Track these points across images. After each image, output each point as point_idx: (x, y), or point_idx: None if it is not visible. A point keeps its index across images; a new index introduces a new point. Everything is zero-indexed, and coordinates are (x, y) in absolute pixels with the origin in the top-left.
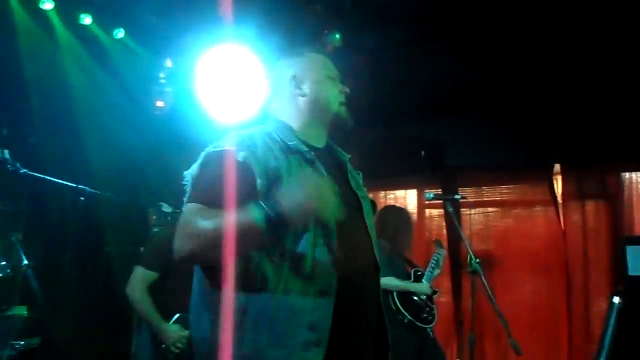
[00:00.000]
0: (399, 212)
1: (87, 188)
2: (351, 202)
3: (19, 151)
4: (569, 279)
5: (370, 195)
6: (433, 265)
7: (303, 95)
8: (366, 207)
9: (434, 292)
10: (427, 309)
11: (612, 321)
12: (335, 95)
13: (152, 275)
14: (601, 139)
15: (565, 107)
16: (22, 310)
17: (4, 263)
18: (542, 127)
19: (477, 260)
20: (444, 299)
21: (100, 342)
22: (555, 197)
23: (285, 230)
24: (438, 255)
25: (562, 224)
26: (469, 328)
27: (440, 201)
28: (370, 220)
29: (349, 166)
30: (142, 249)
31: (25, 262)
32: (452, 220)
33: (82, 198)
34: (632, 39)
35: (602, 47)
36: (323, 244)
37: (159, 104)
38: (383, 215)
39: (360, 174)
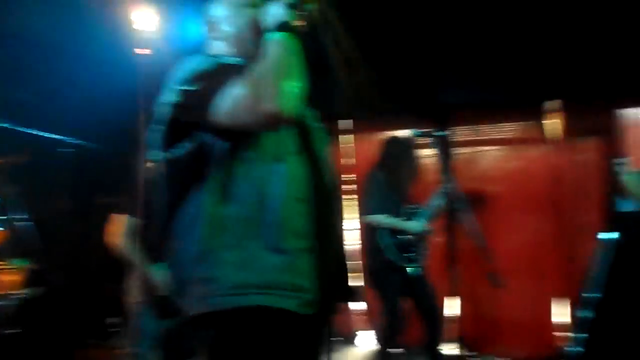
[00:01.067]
0: (399, 142)
1: (74, 140)
2: (304, 128)
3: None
4: (563, 216)
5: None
6: (434, 202)
7: (222, 39)
8: (319, 136)
9: (428, 231)
10: (415, 247)
11: (604, 256)
12: (248, 24)
13: (133, 221)
14: (596, 76)
15: (560, 44)
16: (22, 263)
17: (2, 217)
18: (536, 64)
19: (462, 195)
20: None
21: (98, 289)
22: (547, 134)
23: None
24: (442, 191)
25: (557, 161)
26: (454, 264)
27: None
28: (326, 151)
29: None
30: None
31: (23, 215)
32: (440, 157)
33: (72, 150)
34: None
35: None
36: (294, 152)
37: (138, 51)
38: (382, 146)
39: (313, 113)
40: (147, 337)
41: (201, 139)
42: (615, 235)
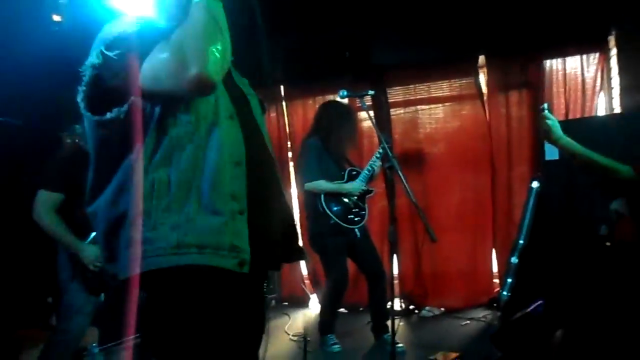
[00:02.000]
0: (334, 107)
1: None
2: (237, 95)
3: None
4: (494, 169)
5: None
6: (372, 163)
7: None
8: (254, 103)
9: (368, 192)
10: (356, 209)
11: (530, 204)
12: None
13: (57, 196)
14: (522, 28)
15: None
16: None
17: None
18: (464, 19)
19: (391, 154)
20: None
21: (33, 268)
22: (480, 90)
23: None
24: (379, 152)
25: (488, 116)
26: (393, 223)
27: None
28: (260, 118)
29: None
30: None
31: None
32: (370, 117)
33: None
34: None
35: None
36: (228, 117)
37: (56, 17)
38: (317, 111)
39: (246, 81)
40: (79, 313)
41: (131, 102)
42: (537, 183)
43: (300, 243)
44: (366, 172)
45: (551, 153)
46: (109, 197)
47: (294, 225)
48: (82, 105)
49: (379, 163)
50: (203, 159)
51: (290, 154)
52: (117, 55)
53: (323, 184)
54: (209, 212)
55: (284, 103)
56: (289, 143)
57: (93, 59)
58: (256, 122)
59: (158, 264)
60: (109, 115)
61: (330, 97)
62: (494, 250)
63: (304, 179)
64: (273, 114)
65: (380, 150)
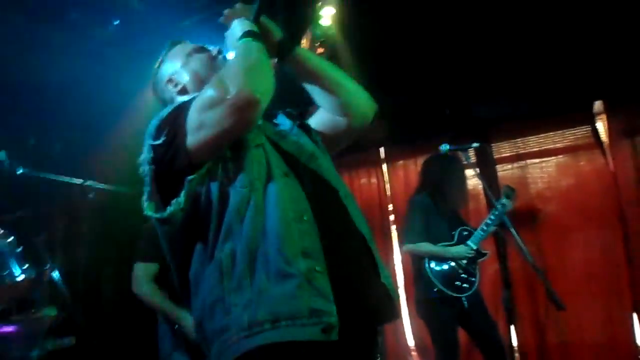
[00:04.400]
0: (440, 160)
1: (94, 184)
2: (294, 150)
3: (20, 153)
4: (626, 223)
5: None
6: (488, 222)
7: (185, 89)
8: (319, 156)
9: (480, 255)
10: (464, 275)
11: None
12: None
13: (152, 267)
14: None
15: (598, 39)
16: (51, 311)
17: (27, 266)
18: (575, 64)
19: (497, 209)
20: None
21: (130, 338)
22: (599, 139)
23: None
24: (497, 210)
25: (612, 166)
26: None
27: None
28: (329, 172)
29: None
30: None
31: (49, 264)
32: (475, 172)
33: (91, 195)
34: None
35: None
36: (282, 174)
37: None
38: (422, 166)
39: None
40: None
41: (186, 187)
42: None
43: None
44: (480, 232)
45: None
46: (191, 290)
47: (382, 281)
48: (144, 205)
49: (492, 223)
50: (264, 222)
51: (392, 217)
52: (164, 139)
53: (425, 246)
54: (280, 277)
55: (384, 165)
56: (390, 206)
57: (145, 155)
58: (323, 176)
59: (232, 353)
60: (168, 209)
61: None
62: (635, 316)
63: (405, 239)
64: (373, 179)
65: (500, 207)
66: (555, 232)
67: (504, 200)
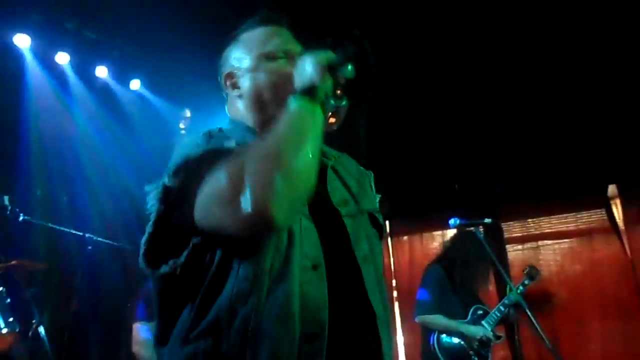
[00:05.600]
0: (466, 238)
1: (93, 236)
2: (327, 220)
3: (27, 202)
4: None
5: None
6: (506, 302)
7: (241, 97)
8: (354, 227)
9: (496, 338)
10: (476, 358)
11: None
12: (273, 80)
13: (152, 326)
14: None
15: (612, 122)
16: None
17: (11, 319)
18: (589, 147)
19: (519, 289)
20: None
21: None
22: (615, 223)
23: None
24: (518, 291)
25: (629, 252)
26: None
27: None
28: (365, 246)
29: (330, 173)
30: (129, 305)
31: (36, 319)
32: (485, 249)
33: (90, 247)
34: None
35: None
36: (309, 267)
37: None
38: (447, 241)
39: (370, 174)
40: None
41: (188, 253)
42: None
43: None
44: (497, 313)
45: None
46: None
47: None
48: (140, 251)
49: (509, 305)
50: (258, 329)
51: (395, 293)
52: (177, 189)
53: (440, 320)
54: None
55: (389, 239)
56: (393, 281)
57: (157, 192)
58: (353, 253)
59: None
60: (163, 268)
61: (438, 233)
62: None
63: (418, 309)
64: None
65: (522, 287)
66: (571, 320)
67: (526, 281)
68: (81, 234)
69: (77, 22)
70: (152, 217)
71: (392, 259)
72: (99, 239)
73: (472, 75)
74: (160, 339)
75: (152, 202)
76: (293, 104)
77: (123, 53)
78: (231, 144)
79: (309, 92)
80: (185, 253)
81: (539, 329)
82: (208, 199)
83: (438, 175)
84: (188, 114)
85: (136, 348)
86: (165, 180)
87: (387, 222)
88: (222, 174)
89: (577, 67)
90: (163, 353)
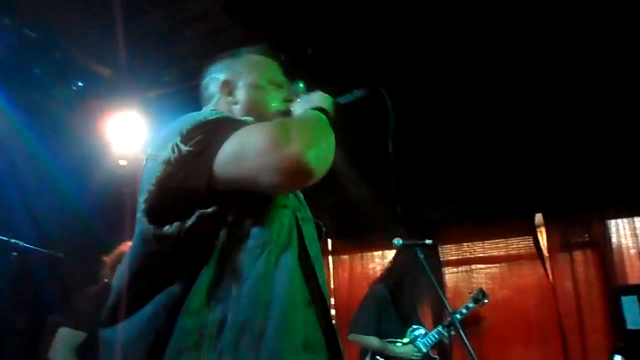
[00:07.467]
0: (410, 258)
1: (20, 242)
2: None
3: None
4: (564, 337)
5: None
6: (445, 324)
7: (235, 104)
8: (307, 229)
9: (427, 358)
10: None
11: None
12: (276, 103)
13: (79, 335)
14: (583, 186)
15: (543, 155)
16: None
17: None
18: (520, 177)
19: (462, 312)
20: None
21: None
22: (541, 250)
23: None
24: (460, 314)
25: (551, 277)
26: None
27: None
28: (316, 246)
29: None
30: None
31: None
32: (425, 269)
33: (14, 253)
34: (612, 82)
35: (580, 92)
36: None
37: (122, 162)
38: (392, 260)
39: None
40: None
41: (197, 218)
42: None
43: None
44: (435, 335)
45: (634, 321)
46: (136, 333)
47: None
48: (140, 209)
49: (447, 327)
50: (268, 295)
51: (333, 312)
52: (194, 147)
53: (370, 340)
54: None
55: (330, 257)
56: (332, 300)
57: (166, 153)
58: (318, 254)
59: None
60: (166, 228)
61: (379, 253)
62: None
63: (352, 328)
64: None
65: (464, 310)
66: (498, 343)
67: (470, 304)
68: (6, 239)
69: (16, 18)
70: (157, 177)
71: (332, 277)
72: (26, 245)
73: (412, 104)
74: (122, 310)
75: (156, 164)
76: (310, 111)
77: (63, 53)
78: (243, 118)
79: (322, 110)
80: (192, 218)
81: (472, 351)
82: (242, 149)
83: (379, 196)
84: (133, 120)
85: (50, 353)
86: (177, 140)
87: (328, 240)
88: (260, 129)
89: (510, 102)
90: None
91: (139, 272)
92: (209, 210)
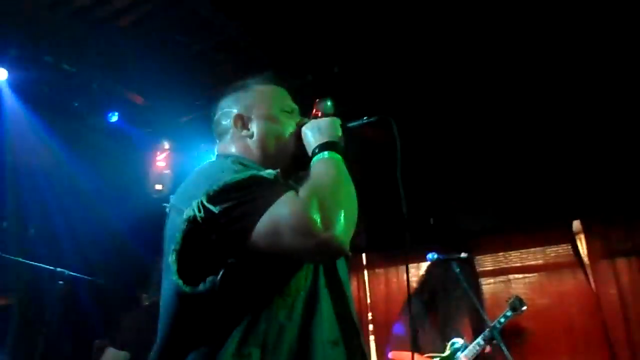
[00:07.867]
0: (444, 272)
1: (65, 271)
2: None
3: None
4: (612, 349)
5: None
6: (487, 335)
7: (251, 137)
8: (343, 268)
9: None
10: None
11: None
12: (290, 130)
13: (124, 356)
14: (623, 190)
15: (578, 159)
16: None
17: None
18: (555, 183)
19: (501, 321)
20: None
21: None
22: (580, 257)
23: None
24: (497, 322)
25: (593, 286)
26: None
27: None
28: (345, 274)
29: None
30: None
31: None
32: (461, 282)
33: (61, 282)
34: None
35: (618, 94)
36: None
37: (158, 187)
38: (424, 273)
39: None
40: None
41: (228, 269)
42: None
43: None
44: (476, 347)
45: None
46: None
47: None
48: (173, 269)
49: (485, 339)
50: (301, 342)
51: (371, 327)
52: (227, 214)
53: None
54: None
55: (365, 272)
56: (369, 315)
57: (191, 211)
58: (347, 288)
59: None
60: (202, 286)
61: (414, 265)
62: None
63: (393, 344)
64: (354, 284)
65: (503, 320)
66: (542, 354)
67: (508, 313)
68: (52, 267)
69: (55, 55)
70: (184, 234)
71: (368, 292)
72: (71, 273)
73: (443, 115)
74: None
75: (180, 219)
76: (325, 154)
77: (101, 85)
78: (266, 173)
79: (333, 146)
80: (223, 270)
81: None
82: (277, 228)
83: (414, 208)
84: (167, 146)
85: None
86: (204, 200)
87: (363, 255)
88: (295, 208)
89: (542, 106)
90: None
91: (174, 329)
92: (235, 260)
